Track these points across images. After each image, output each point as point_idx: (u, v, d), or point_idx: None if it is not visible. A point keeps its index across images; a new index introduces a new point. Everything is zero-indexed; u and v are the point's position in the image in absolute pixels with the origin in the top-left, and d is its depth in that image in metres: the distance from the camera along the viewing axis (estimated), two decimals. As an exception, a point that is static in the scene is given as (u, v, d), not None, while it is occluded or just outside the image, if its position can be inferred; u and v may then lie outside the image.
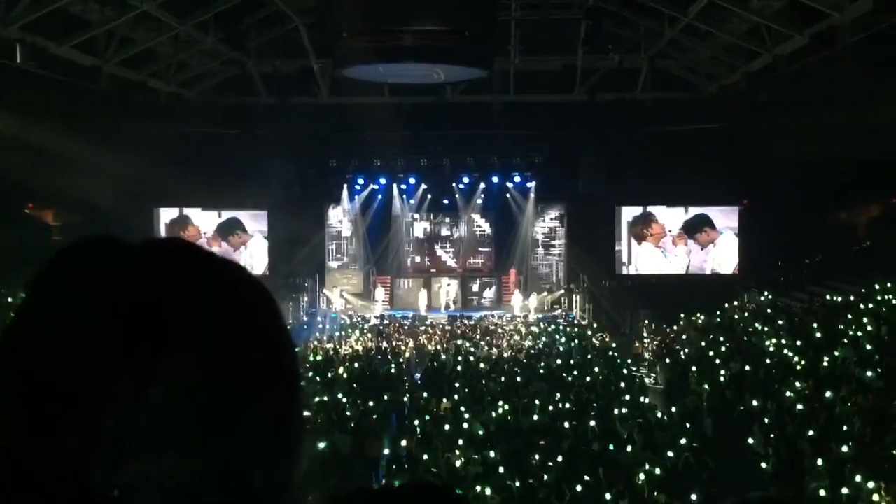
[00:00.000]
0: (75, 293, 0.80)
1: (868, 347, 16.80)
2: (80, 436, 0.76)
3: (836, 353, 16.82)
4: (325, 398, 16.89)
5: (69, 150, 21.23)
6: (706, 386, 17.58)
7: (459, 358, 21.67)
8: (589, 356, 21.62)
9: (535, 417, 15.67)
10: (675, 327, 24.37)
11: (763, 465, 13.35)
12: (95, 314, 0.78)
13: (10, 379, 0.78)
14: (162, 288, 0.81)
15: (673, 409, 16.47)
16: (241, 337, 0.83)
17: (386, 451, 14.74)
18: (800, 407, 14.66)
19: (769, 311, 23.28)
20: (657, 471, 12.66)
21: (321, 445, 13.53)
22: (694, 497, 11.63)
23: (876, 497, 10.65)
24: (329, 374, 19.30)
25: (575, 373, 19.52)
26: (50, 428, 0.76)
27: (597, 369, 19.93)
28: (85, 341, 0.77)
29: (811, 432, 13.37)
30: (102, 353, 0.77)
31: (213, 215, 29.27)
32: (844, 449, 12.32)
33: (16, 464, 0.75)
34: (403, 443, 14.80)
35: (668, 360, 21.10)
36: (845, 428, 13.32)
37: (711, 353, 19.80)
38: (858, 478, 11.16)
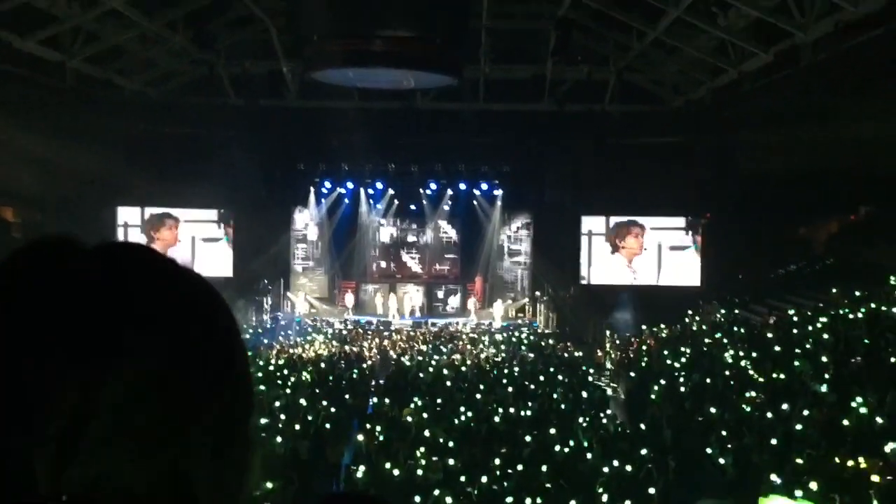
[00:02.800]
0: (28, 293, 0.79)
1: (824, 360, 17.10)
2: (26, 437, 0.74)
3: (796, 365, 17.10)
4: (287, 402, 16.78)
5: (31, 146, 20.87)
6: (666, 396, 17.77)
7: (422, 363, 21.67)
8: (551, 367, 21.73)
9: (496, 424, 15.72)
10: (637, 337, 24.60)
11: (721, 474, 13.52)
12: (48, 313, 0.77)
13: None
14: (115, 289, 0.81)
15: (634, 419, 16.61)
16: (194, 340, 0.83)
17: (346, 457, 14.68)
18: (757, 416, 14.89)
19: (729, 323, 23.60)
20: (616, 480, 12.77)
21: (281, 451, 13.43)
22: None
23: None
24: (292, 379, 19.18)
25: (541, 378, 19.62)
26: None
27: (559, 377, 20.05)
28: (35, 340, 0.76)
29: (773, 441, 13.57)
30: (53, 352, 0.76)
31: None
32: (799, 461, 12.53)
33: None
34: (364, 448, 14.75)
35: (629, 371, 21.29)
36: (801, 440, 13.55)
37: (672, 364, 20.02)
38: (814, 486, 11.35)
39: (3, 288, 0.81)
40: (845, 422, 13.69)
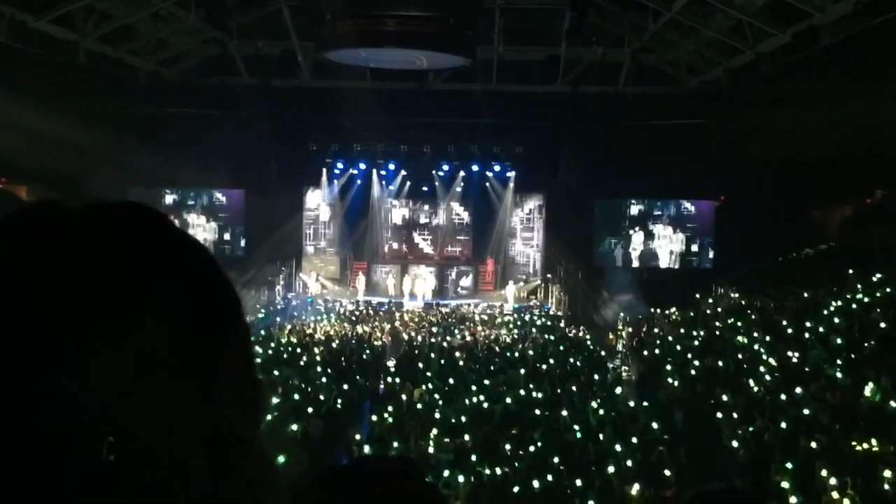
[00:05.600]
0: (52, 245, 0.79)
1: (839, 342, 17.02)
2: (64, 395, 0.74)
3: (808, 350, 17.04)
4: (299, 382, 16.86)
5: (44, 125, 20.92)
6: (678, 379, 17.75)
7: (433, 345, 21.71)
8: (562, 347, 21.74)
9: (508, 405, 15.75)
10: (649, 320, 24.56)
11: (732, 457, 13.53)
12: (77, 262, 0.78)
13: None
14: (141, 246, 0.82)
15: (645, 402, 16.61)
16: (208, 296, 0.85)
17: (358, 437, 14.75)
18: (769, 399, 14.86)
19: (743, 306, 23.51)
20: (628, 462, 12.79)
21: (294, 428, 13.49)
22: (662, 488, 11.76)
23: (835, 495, 10.80)
24: (304, 359, 19.26)
25: (551, 362, 19.63)
26: (31, 388, 0.74)
27: (571, 360, 20.06)
28: (63, 292, 0.76)
29: (783, 425, 13.55)
30: (82, 304, 0.76)
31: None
32: (813, 445, 12.51)
33: None
34: (375, 428, 14.82)
35: (641, 352, 21.28)
36: (814, 424, 13.52)
37: (684, 347, 19.99)
38: (824, 472, 11.33)
39: (23, 241, 0.80)
40: (859, 406, 13.64)
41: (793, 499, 11.02)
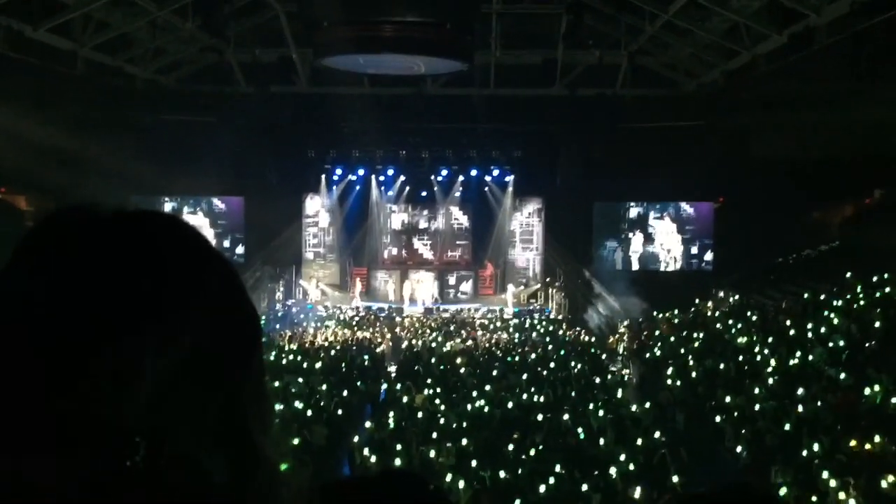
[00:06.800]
0: (93, 250, 0.82)
1: (841, 344, 17.01)
2: (100, 398, 0.76)
3: (809, 351, 17.03)
4: (301, 389, 16.84)
5: (43, 134, 20.92)
6: (679, 381, 17.74)
7: (434, 350, 21.70)
8: (562, 350, 21.72)
9: (509, 410, 15.73)
10: (649, 323, 24.55)
11: (734, 459, 13.51)
12: (118, 271, 0.80)
13: (23, 335, 0.77)
14: (180, 259, 0.86)
15: (647, 404, 16.61)
16: (231, 306, 0.89)
17: (356, 440, 14.71)
18: (771, 403, 14.84)
19: (743, 307, 23.51)
20: (630, 465, 12.77)
21: (295, 441, 13.46)
22: (665, 490, 11.74)
23: (842, 495, 10.79)
24: (305, 365, 19.25)
25: (552, 365, 19.62)
26: (69, 389, 0.76)
27: (572, 363, 20.04)
28: (103, 299, 0.78)
29: (787, 427, 13.54)
30: (122, 311, 0.78)
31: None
32: (815, 447, 12.49)
33: (51, 422, 0.75)
34: (377, 434, 14.79)
35: (642, 355, 21.27)
36: (815, 425, 13.50)
37: (684, 349, 19.97)
38: (826, 474, 11.32)
39: (36, 252, 0.82)
40: (860, 405, 13.63)
41: (795, 500, 11.02)
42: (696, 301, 25.35)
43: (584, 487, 11.96)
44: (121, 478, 0.75)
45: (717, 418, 15.01)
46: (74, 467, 0.75)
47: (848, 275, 21.48)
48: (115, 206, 0.88)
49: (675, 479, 12.13)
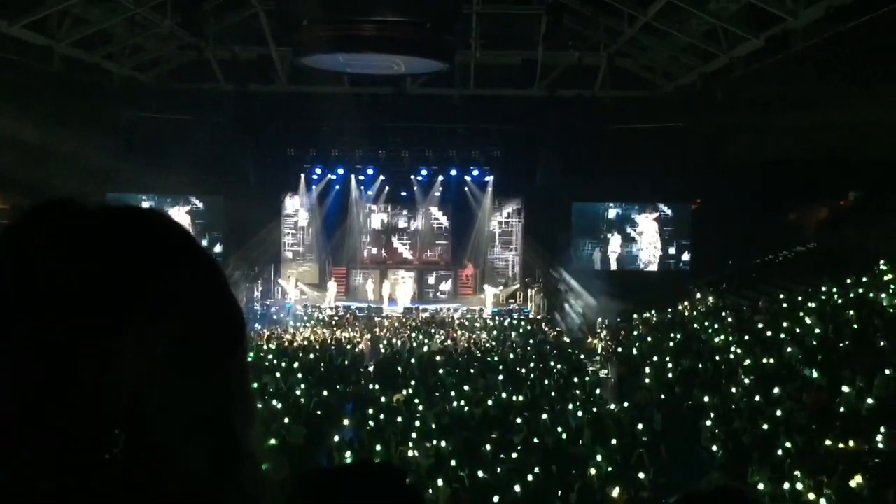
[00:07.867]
0: (76, 245, 0.82)
1: (815, 344, 17.20)
2: (83, 390, 0.76)
3: (787, 350, 17.19)
4: (279, 388, 16.78)
5: (17, 131, 20.68)
6: (656, 381, 17.85)
7: (413, 349, 21.69)
8: (541, 350, 21.79)
9: (488, 409, 15.75)
10: (627, 322, 24.69)
11: (710, 458, 13.62)
12: (101, 264, 0.80)
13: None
14: (165, 254, 0.86)
15: (625, 404, 16.70)
16: (214, 300, 0.90)
17: (337, 439, 14.68)
18: (747, 401, 14.98)
19: (719, 308, 23.70)
20: (608, 464, 12.84)
21: (273, 441, 13.41)
22: (643, 490, 11.82)
23: (812, 496, 10.90)
24: (283, 365, 19.17)
25: (531, 365, 19.67)
26: (52, 381, 0.76)
27: (551, 363, 20.11)
28: (84, 293, 0.78)
29: (765, 426, 13.66)
30: (105, 304, 0.79)
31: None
32: (788, 445, 12.63)
33: (34, 424, 0.76)
34: (355, 433, 14.76)
35: (620, 355, 21.38)
36: (790, 424, 13.64)
37: (662, 349, 20.10)
38: (798, 473, 11.43)
39: (20, 248, 0.82)
40: (835, 405, 13.78)
41: (770, 498, 11.12)
42: (674, 301, 25.51)
43: (562, 487, 12.01)
44: (98, 470, 0.76)
45: (695, 417, 15.13)
46: (52, 459, 0.75)
47: (823, 276, 21.73)
48: (97, 203, 0.89)
49: (640, 475, 12.20)
